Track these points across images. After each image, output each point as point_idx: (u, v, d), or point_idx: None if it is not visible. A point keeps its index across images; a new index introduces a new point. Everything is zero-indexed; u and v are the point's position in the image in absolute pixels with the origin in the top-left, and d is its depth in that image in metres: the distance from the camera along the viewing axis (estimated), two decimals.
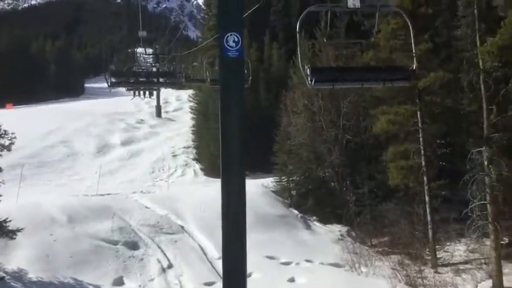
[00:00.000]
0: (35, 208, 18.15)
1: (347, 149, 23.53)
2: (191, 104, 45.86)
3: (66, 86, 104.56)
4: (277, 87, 31.82)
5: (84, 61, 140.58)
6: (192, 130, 40.76)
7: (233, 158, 6.49)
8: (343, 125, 23.19)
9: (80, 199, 20.72)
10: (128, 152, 37.14)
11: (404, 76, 6.90)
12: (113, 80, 10.95)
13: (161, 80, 12.35)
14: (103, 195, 22.35)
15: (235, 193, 6.71)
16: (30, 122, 46.01)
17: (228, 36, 8.86)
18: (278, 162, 25.14)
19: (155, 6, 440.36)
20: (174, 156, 36.89)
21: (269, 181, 26.23)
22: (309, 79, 6.77)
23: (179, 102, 60.58)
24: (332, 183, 24.27)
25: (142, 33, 18.02)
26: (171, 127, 47.56)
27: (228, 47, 8.86)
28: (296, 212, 22.96)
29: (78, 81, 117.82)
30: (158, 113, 53.88)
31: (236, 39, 8.63)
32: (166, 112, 55.39)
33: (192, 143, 39.27)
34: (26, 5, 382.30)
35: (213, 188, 24.43)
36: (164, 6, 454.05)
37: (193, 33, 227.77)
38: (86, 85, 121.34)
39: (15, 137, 14.94)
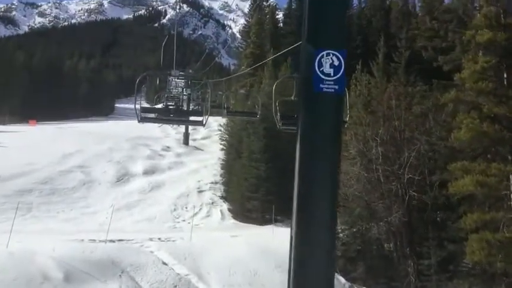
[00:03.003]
0: (26, 259, 14.53)
1: (409, 207, 19.41)
2: (221, 133, 42.68)
3: (96, 105, 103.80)
4: None
5: (117, 82, 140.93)
6: (221, 164, 37.22)
7: (317, 230, 4.39)
8: (407, 178, 19.13)
9: (84, 247, 17.05)
10: (149, 183, 33.67)
11: None
12: (143, 115, 8.80)
13: (191, 119, 9.78)
14: (113, 241, 18.69)
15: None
16: (51, 142, 43.52)
17: (322, 56, 4.79)
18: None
19: (191, 32, 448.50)
20: (200, 192, 33.18)
21: None
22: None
23: (208, 129, 57.22)
24: (388, 248, 20.12)
25: (175, 72, 15.46)
26: (198, 157, 44.12)
27: (322, 75, 4.79)
28: (343, 280, 18.77)
29: (108, 101, 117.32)
30: (185, 141, 50.87)
31: (337, 62, 4.59)
32: (194, 140, 52.22)
33: (220, 178, 35.60)
34: (66, 23, 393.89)
35: (242, 241, 20.65)
36: (200, 33, 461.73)
37: (226, 61, 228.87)
38: (116, 105, 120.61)
39: None
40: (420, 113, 20.95)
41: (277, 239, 21.16)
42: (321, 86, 4.95)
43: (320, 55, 4.88)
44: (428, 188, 19.39)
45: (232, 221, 28.83)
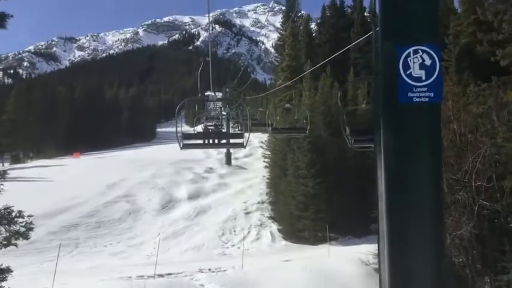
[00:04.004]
0: None
1: (480, 218, 17.49)
2: (263, 150, 41.64)
3: (138, 131, 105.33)
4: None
5: (157, 107, 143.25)
6: (267, 182, 35.99)
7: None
8: (475, 186, 17.26)
9: (132, 285, 16.13)
10: (194, 208, 32.82)
11: None
12: (185, 142, 9.56)
13: (232, 141, 9.37)
14: (162, 275, 17.73)
15: None
16: (94, 173, 43.61)
17: (408, 54, 3.18)
18: (380, 230, 19.38)
19: (225, 51, 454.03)
20: (247, 213, 32.00)
21: (366, 250, 20.54)
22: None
23: (249, 147, 56.37)
24: (458, 264, 18.21)
25: (212, 97, 14.70)
26: (242, 177, 43.03)
27: (410, 80, 3.22)
28: None
29: (150, 126, 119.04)
30: (228, 160, 50.03)
31: (429, 61, 3.06)
32: (236, 159, 51.30)
33: (266, 197, 34.36)
34: (104, 54, 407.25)
35: (297, 266, 19.24)
36: (233, 51, 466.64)
37: (261, 76, 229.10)
38: (158, 129, 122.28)
39: (31, 222, 10.71)
40: (480, 113, 19.07)
41: (333, 261, 19.72)
42: (410, 94, 3.54)
43: (405, 53, 3.52)
44: (498, 195, 17.46)
45: (284, 242, 27.45)
